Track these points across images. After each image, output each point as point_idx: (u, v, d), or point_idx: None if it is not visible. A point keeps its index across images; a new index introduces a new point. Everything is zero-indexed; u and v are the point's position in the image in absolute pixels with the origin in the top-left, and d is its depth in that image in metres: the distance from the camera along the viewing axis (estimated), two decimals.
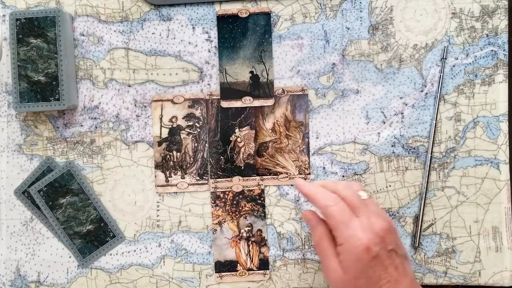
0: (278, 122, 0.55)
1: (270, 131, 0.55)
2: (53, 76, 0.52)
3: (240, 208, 0.55)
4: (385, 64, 0.54)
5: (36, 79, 0.52)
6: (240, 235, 0.55)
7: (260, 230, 0.55)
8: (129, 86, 0.55)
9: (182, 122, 0.55)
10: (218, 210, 0.55)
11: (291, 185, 0.55)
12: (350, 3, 0.54)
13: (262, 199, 0.55)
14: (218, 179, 0.55)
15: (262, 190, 0.55)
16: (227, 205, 0.55)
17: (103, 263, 0.55)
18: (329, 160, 0.55)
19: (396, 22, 0.54)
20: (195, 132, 0.55)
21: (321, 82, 0.55)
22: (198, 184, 0.55)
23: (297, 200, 0.55)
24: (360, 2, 0.54)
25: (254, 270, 0.55)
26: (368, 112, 0.55)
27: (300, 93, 0.55)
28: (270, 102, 0.55)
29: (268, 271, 0.55)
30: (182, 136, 0.55)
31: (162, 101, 0.55)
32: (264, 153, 0.55)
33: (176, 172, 0.55)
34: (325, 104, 0.55)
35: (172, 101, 0.55)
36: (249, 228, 0.55)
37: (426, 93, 0.54)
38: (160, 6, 0.55)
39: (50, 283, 0.55)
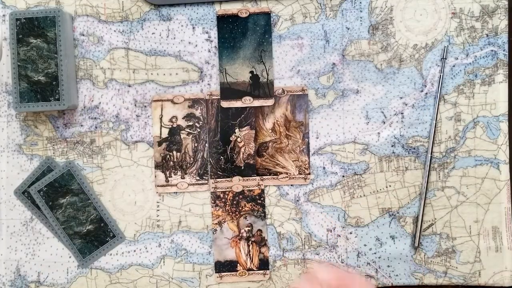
0: (278, 122, 0.55)
1: (270, 131, 0.55)
2: (53, 76, 0.52)
3: (240, 208, 0.55)
4: (385, 64, 0.54)
5: (36, 79, 0.52)
6: (240, 235, 0.55)
7: (260, 230, 0.55)
8: (129, 86, 0.55)
9: (182, 122, 0.55)
10: (218, 210, 0.55)
11: (291, 185, 0.55)
12: (350, 3, 0.54)
13: (262, 199, 0.55)
14: (218, 179, 0.55)
15: (262, 190, 0.55)
16: (227, 205, 0.55)
17: (103, 263, 0.55)
18: (329, 160, 0.55)
19: (396, 22, 0.54)
20: (195, 132, 0.55)
21: (321, 82, 0.55)
22: (198, 184, 0.55)
23: (297, 200, 0.55)
24: (360, 2, 0.54)
25: (254, 270, 0.55)
26: (368, 112, 0.55)
27: (300, 93, 0.55)
28: (270, 102, 0.55)
29: (268, 271, 0.55)
30: (182, 136, 0.55)
31: (162, 101, 0.55)
32: (264, 153, 0.55)
33: (176, 172, 0.55)
34: (325, 104, 0.55)
35: (172, 101, 0.55)
36: (249, 228, 0.55)
37: (426, 93, 0.54)
38: (160, 6, 0.55)
39: (50, 283, 0.55)
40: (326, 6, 0.54)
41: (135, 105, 0.55)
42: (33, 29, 0.52)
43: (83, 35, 0.55)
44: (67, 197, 0.55)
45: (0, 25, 0.55)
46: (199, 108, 0.55)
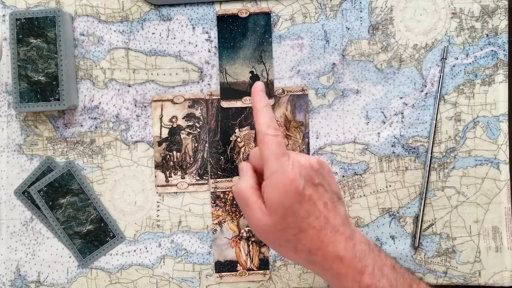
0: (278, 122, 0.55)
1: None
2: (53, 76, 0.52)
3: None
4: (385, 64, 0.54)
5: (36, 79, 0.52)
6: (240, 235, 0.55)
7: None
8: (129, 86, 0.55)
9: (182, 122, 0.55)
10: (218, 210, 0.55)
11: None
12: (350, 3, 0.54)
13: None
14: (218, 179, 0.55)
15: None
16: (227, 205, 0.55)
17: (103, 263, 0.55)
18: (329, 160, 0.55)
19: (396, 22, 0.54)
20: (195, 132, 0.55)
21: (321, 82, 0.55)
22: (198, 184, 0.55)
23: None
24: (360, 2, 0.54)
25: (254, 270, 0.55)
26: (368, 112, 0.55)
27: (300, 93, 0.55)
28: (270, 102, 0.55)
29: (268, 271, 0.55)
30: (182, 136, 0.55)
31: (162, 101, 0.55)
32: None
33: (176, 172, 0.55)
34: (325, 104, 0.55)
35: (172, 101, 0.55)
36: (249, 228, 0.55)
37: (426, 93, 0.54)
38: (160, 6, 0.55)
39: (50, 283, 0.55)
40: (326, 6, 0.54)
41: (135, 105, 0.55)
42: (33, 29, 0.52)
43: (83, 35, 0.55)
44: (67, 197, 0.55)
45: (0, 25, 0.55)
46: (199, 108, 0.55)
